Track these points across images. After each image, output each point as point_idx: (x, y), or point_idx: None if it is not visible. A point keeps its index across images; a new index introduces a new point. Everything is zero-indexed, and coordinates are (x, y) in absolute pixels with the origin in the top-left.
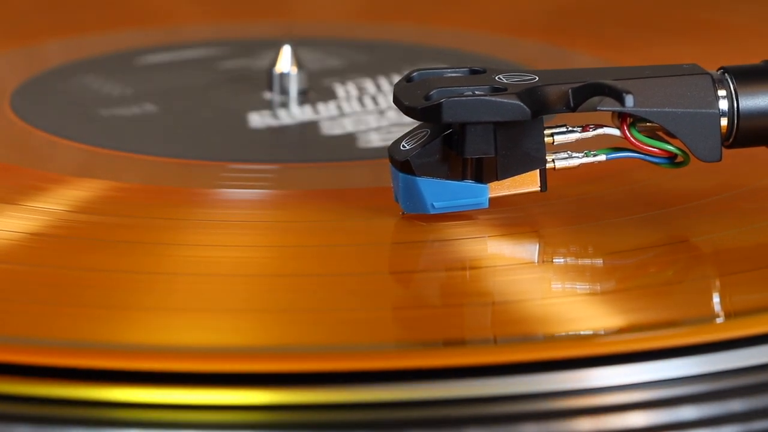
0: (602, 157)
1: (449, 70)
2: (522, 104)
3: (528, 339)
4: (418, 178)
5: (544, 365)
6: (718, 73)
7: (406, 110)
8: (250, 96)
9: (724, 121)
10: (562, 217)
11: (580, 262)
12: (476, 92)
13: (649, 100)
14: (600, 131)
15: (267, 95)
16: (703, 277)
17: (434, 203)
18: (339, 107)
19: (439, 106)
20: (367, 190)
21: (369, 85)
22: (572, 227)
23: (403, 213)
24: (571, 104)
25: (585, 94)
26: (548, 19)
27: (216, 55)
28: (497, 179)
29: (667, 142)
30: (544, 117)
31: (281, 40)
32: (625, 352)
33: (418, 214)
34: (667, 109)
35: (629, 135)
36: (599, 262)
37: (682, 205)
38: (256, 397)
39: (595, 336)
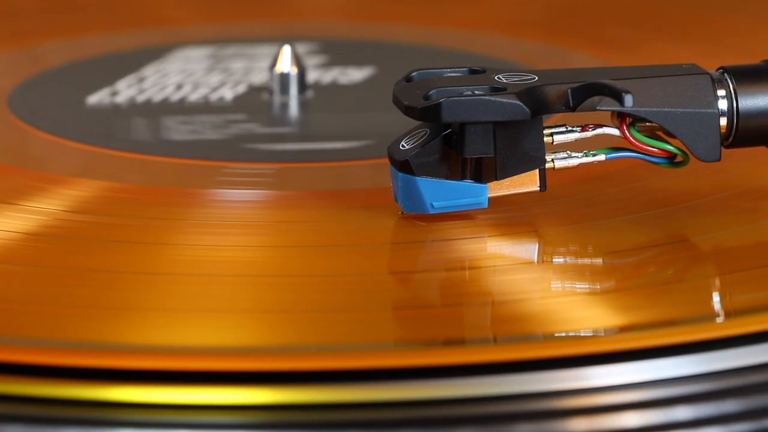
0: (602, 157)
1: (449, 70)
2: (521, 104)
3: (527, 338)
4: (417, 177)
5: (543, 364)
6: (718, 72)
7: (406, 110)
8: (250, 96)
9: (723, 121)
10: (561, 216)
11: (580, 261)
12: (476, 92)
13: (649, 99)
14: (599, 131)
15: (267, 95)
16: (702, 276)
17: (433, 203)
18: (340, 107)
19: (438, 105)
20: (367, 191)
21: (368, 85)
22: (572, 227)
23: (402, 213)
24: (571, 104)
25: (584, 94)
26: (548, 19)
27: (215, 55)
28: (496, 179)
29: (667, 142)
30: (544, 117)
31: (281, 40)
32: (625, 350)
33: (418, 214)
34: (666, 109)
35: (629, 135)
36: (599, 261)
37: (682, 204)
38: (255, 397)
39: (594, 335)
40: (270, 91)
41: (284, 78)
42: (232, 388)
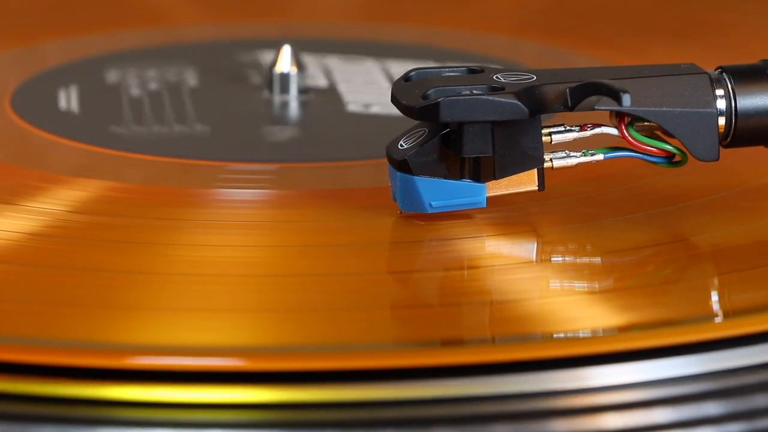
0: (600, 157)
1: (447, 70)
2: (520, 103)
3: (526, 338)
4: (415, 177)
5: (542, 364)
6: (716, 72)
7: (404, 109)
8: (250, 96)
9: (721, 121)
10: (560, 216)
11: (579, 260)
12: (474, 91)
13: (647, 99)
14: (598, 130)
15: (267, 95)
16: (701, 275)
17: (432, 202)
18: (340, 107)
19: (436, 105)
20: (366, 190)
21: (368, 84)
22: (570, 226)
23: (401, 212)
24: (569, 103)
25: (583, 94)
26: (548, 19)
27: (215, 55)
28: (495, 178)
29: (665, 142)
30: (542, 116)
31: (281, 40)
32: (623, 350)
33: (416, 214)
34: (664, 109)
35: (627, 134)
36: (597, 260)
37: (680, 204)
38: (254, 396)
39: (593, 335)
40: (270, 91)
41: (284, 78)
42: (231, 387)
